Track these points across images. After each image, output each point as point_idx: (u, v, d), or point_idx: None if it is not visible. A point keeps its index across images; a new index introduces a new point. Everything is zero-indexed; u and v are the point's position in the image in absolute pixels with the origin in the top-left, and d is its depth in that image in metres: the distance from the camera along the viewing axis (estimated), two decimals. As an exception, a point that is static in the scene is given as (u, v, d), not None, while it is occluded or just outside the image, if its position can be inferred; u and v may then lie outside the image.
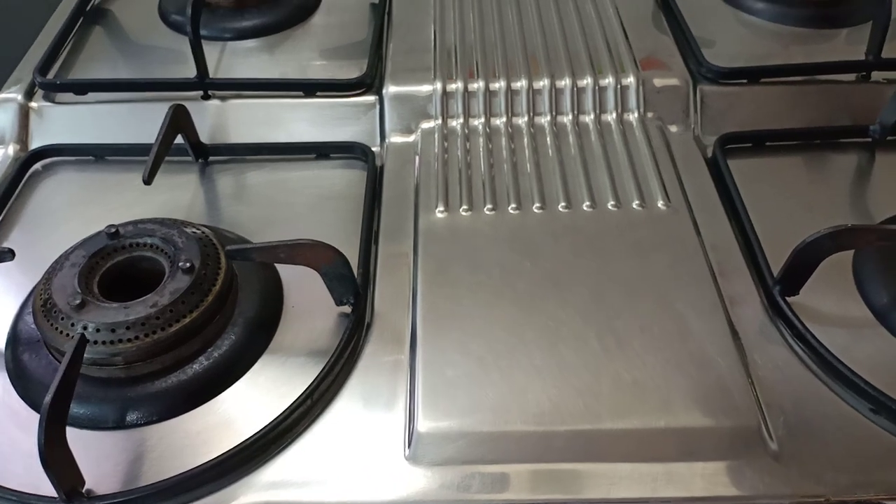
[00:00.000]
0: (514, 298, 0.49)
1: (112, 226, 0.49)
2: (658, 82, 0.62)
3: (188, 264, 0.46)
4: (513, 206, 0.54)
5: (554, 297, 0.48)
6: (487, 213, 0.54)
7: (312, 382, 0.44)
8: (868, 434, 0.42)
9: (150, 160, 0.51)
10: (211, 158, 0.61)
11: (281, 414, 0.42)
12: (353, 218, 0.55)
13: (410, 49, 0.66)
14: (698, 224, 0.53)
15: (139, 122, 0.61)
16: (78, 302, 0.44)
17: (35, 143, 0.63)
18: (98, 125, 0.63)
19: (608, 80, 0.62)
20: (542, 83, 0.62)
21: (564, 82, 0.62)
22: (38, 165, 0.62)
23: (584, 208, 0.54)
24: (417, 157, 0.59)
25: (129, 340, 0.43)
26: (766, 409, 0.43)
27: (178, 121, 0.57)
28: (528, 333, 0.47)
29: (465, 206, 0.55)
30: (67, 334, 0.43)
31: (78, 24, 0.73)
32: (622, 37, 0.66)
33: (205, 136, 0.62)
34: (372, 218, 0.55)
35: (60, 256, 0.48)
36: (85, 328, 0.43)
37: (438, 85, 0.62)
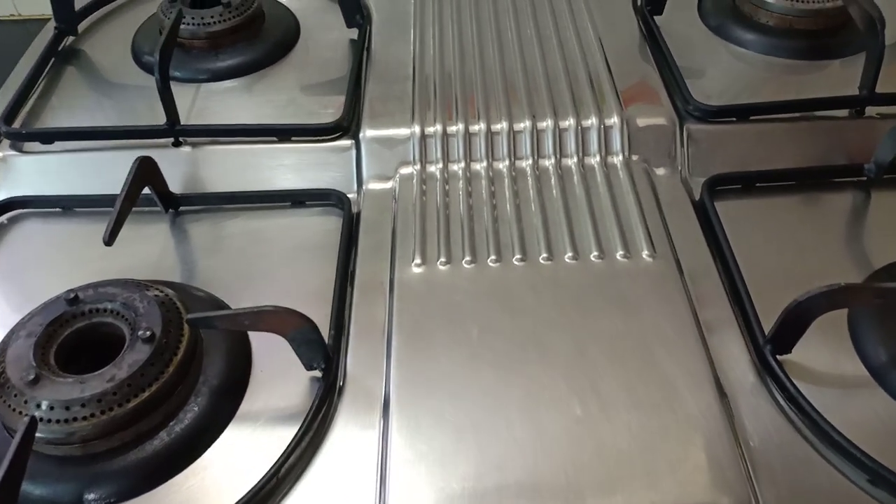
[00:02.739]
0: (493, 360, 0.46)
1: (71, 291, 0.47)
2: (643, 122, 0.59)
3: (148, 333, 0.44)
4: (492, 258, 0.52)
5: (535, 358, 0.46)
6: (466, 266, 0.52)
7: (279, 459, 0.42)
8: (865, 509, 0.40)
9: (111, 220, 0.49)
10: (182, 208, 0.59)
11: (245, 496, 0.40)
12: (328, 269, 0.53)
13: (389, 89, 0.64)
14: (685, 275, 0.51)
15: (109, 171, 0.59)
16: (32, 377, 0.42)
17: (1, 195, 0.61)
18: (66, 175, 0.61)
19: (591, 121, 0.59)
20: (524, 125, 0.59)
21: (546, 124, 0.59)
22: (3, 218, 0.60)
23: (567, 260, 0.52)
24: (395, 204, 0.57)
25: (84, 418, 0.41)
26: (756, 482, 0.41)
27: (145, 174, 0.55)
28: (507, 398, 0.44)
29: (442, 259, 0.52)
30: (20, 412, 0.41)
31: (49, 65, 0.71)
32: (606, 73, 0.64)
33: (176, 185, 0.60)
34: (346, 274, 0.53)
35: (17, 324, 0.46)
36: (38, 406, 0.41)
37: (417, 128, 0.60)
